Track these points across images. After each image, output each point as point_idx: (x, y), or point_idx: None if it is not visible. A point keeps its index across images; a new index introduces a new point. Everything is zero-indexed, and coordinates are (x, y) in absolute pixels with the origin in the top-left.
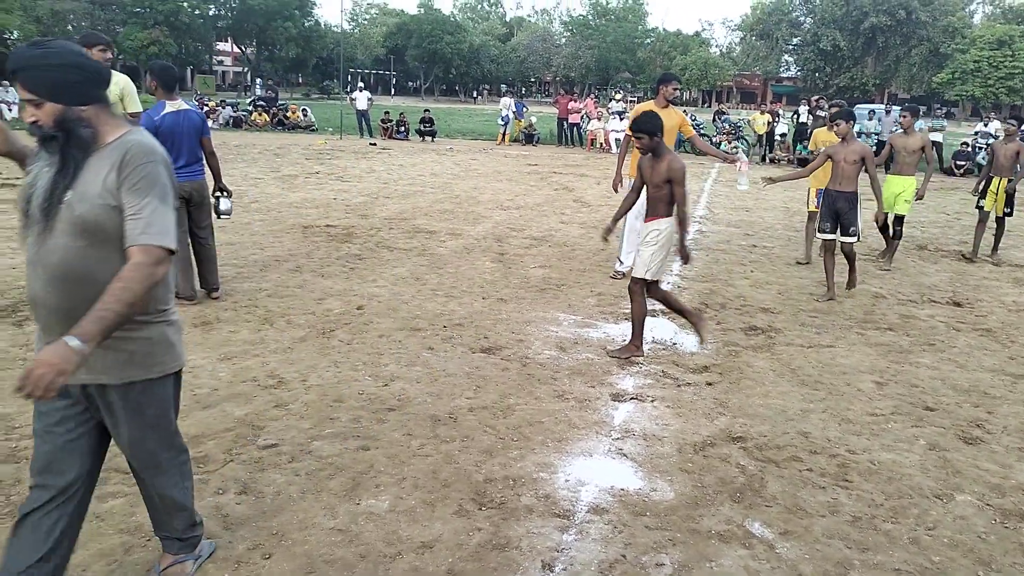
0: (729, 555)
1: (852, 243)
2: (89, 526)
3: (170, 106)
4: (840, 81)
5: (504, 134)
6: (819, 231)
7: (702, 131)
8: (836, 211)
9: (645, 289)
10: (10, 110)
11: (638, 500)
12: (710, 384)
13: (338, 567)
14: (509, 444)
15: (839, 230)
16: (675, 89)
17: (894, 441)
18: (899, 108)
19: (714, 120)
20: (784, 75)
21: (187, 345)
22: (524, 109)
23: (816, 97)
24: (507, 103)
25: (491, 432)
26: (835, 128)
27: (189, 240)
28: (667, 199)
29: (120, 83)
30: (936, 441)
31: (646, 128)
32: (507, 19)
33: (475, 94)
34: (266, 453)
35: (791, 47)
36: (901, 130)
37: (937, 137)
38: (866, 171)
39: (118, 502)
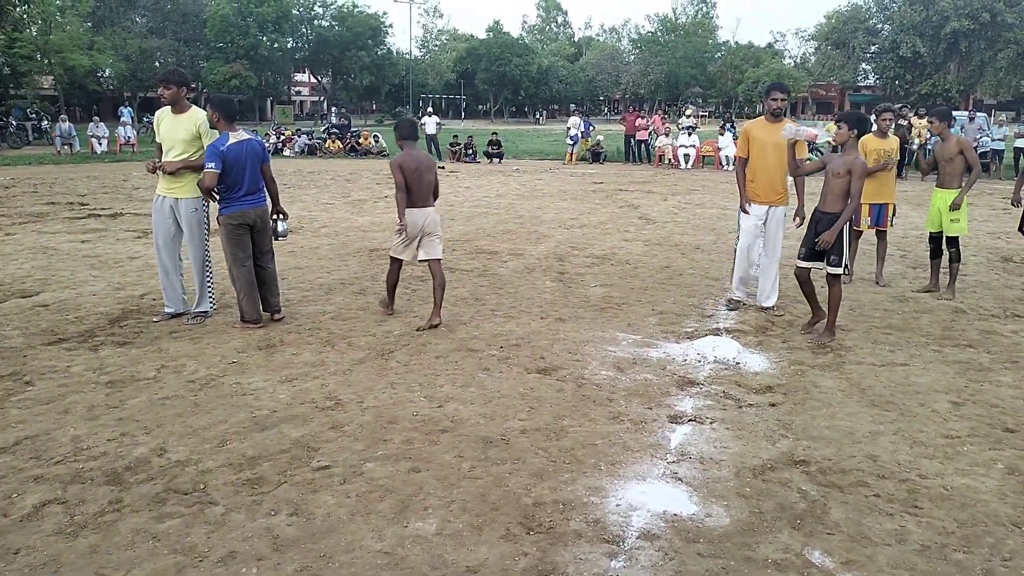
0: None
1: (836, 275)
2: (145, 546)
3: (233, 137)
4: (922, 88)
5: (571, 153)
6: (798, 256)
7: None
8: (816, 235)
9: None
10: (100, 143)
11: (691, 526)
12: (773, 405)
13: None
14: (560, 467)
15: (822, 258)
16: (774, 100)
17: (969, 465)
18: (981, 113)
19: None
20: (862, 84)
21: (249, 367)
22: (591, 128)
23: (899, 105)
24: (575, 122)
25: (543, 454)
26: (838, 134)
27: (252, 265)
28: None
29: (198, 120)
30: (1016, 465)
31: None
32: (575, 39)
33: (536, 115)
34: (319, 475)
35: (868, 55)
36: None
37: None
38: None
39: (174, 522)
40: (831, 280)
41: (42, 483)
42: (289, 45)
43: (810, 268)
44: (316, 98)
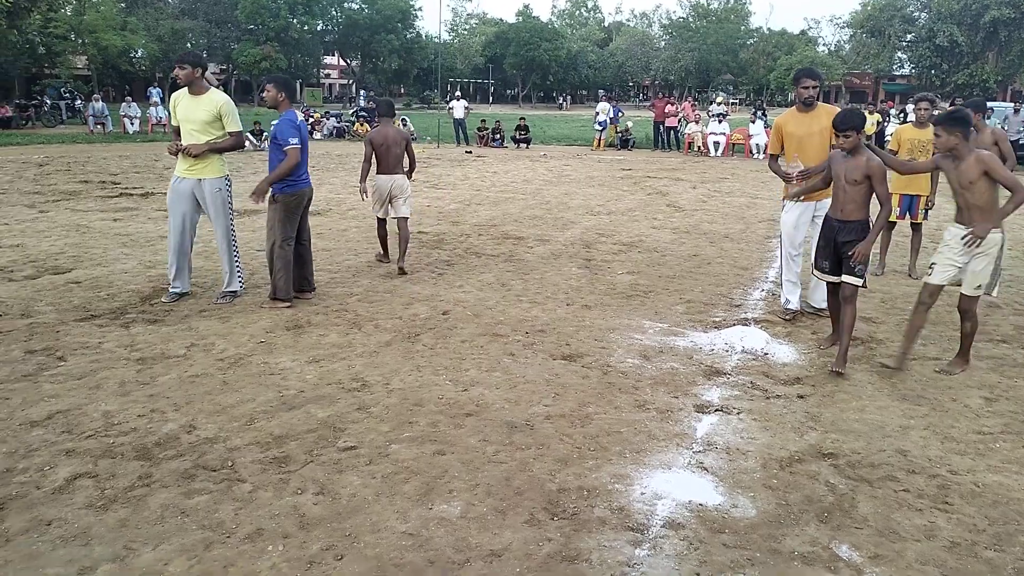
0: None
1: (856, 285)
2: (173, 521)
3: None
4: (958, 78)
5: (600, 139)
6: (815, 267)
7: None
8: (837, 246)
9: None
10: (132, 123)
11: (717, 516)
12: (802, 397)
13: (407, 571)
14: (585, 454)
15: (844, 268)
16: (805, 88)
17: (1002, 462)
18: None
19: None
20: (897, 73)
21: (277, 347)
22: (620, 114)
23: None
24: (604, 108)
25: (567, 441)
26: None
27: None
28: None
29: (219, 102)
30: None
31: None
32: (605, 24)
33: (560, 100)
34: (345, 455)
35: (904, 44)
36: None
37: None
38: (876, 195)
39: (203, 499)
40: (849, 294)
41: (74, 457)
42: (319, 28)
43: (835, 282)
44: (345, 81)
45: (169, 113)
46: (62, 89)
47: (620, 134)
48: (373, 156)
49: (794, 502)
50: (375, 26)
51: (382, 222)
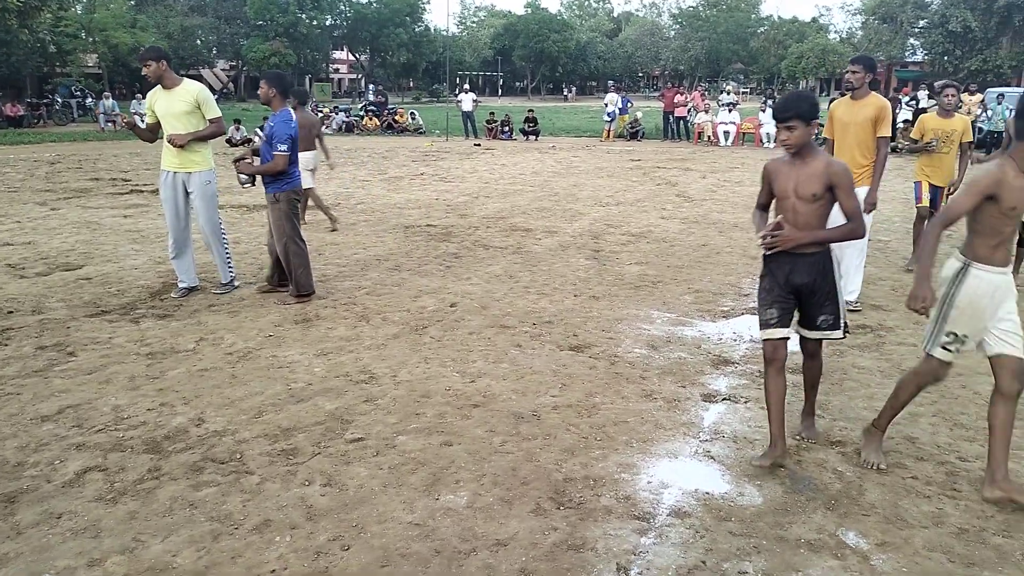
0: (818, 565)
1: (830, 339)
2: (182, 513)
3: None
4: (971, 64)
5: (609, 130)
6: (762, 324)
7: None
8: (794, 289)
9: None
10: (142, 121)
11: (723, 504)
12: None
13: (412, 561)
14: (592, 443)
15: (802, 320)
16: (849, 72)
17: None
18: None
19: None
20: (909, 60)
21: (286, 341)
22: (629, 104)
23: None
24: (612, 99)
25: (574, 431)
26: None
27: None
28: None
29: (194, 91)
30: None
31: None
32: (614, 15)
33: (564, 92)
34: (352, 447)
35: (917, 30)
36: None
37: None
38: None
39: (211, 491)
40: (815, 350)
41: (84, 451)
42: (328, 23)
43: (787, 338)
44: (353, 76)
45: (146, 112)
46: (73, 87)
47: (629, 125)
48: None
49: (801, 490)
50: (383, 20)
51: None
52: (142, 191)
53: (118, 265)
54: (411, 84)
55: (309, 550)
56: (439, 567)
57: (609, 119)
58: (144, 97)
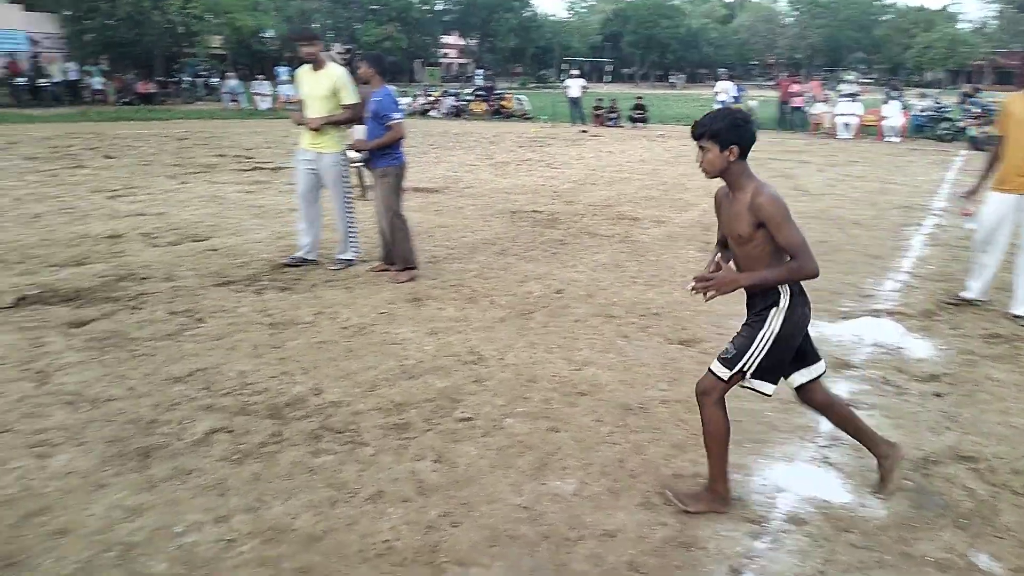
0: None
1: (718, 376)
2: (302, 478)
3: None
4: None
5: None
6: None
7: (946, 114)
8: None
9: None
10: (263, 100)
11: (843, 515)
12: (938, 395)
13: (520, 544)
14: (702, 441)
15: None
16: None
17: None
18: None
19: (962, 103)
20: None
21: (398, 318)
22: (743, 93)
23: None
24: (725, 87)
25: (683, 427)
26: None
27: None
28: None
29: (334, 76)
30: None
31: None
32: (728, 0)
33: (670, 79)
34: (461, 426)
35: None
36: None
37: None
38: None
39: (328, 458)
40: (706, 388)
41: (212, 412)
42: (439, 7)
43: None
44: (463, 61)
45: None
46: (199, 67)
47: None
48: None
49: (928, 505)
50: (493, 5)
51: None
52: (263, 168)
53: (242, 238)
54: (519, 70)
55: (420, 524)
56: (547, 552)
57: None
58: (266, 78)
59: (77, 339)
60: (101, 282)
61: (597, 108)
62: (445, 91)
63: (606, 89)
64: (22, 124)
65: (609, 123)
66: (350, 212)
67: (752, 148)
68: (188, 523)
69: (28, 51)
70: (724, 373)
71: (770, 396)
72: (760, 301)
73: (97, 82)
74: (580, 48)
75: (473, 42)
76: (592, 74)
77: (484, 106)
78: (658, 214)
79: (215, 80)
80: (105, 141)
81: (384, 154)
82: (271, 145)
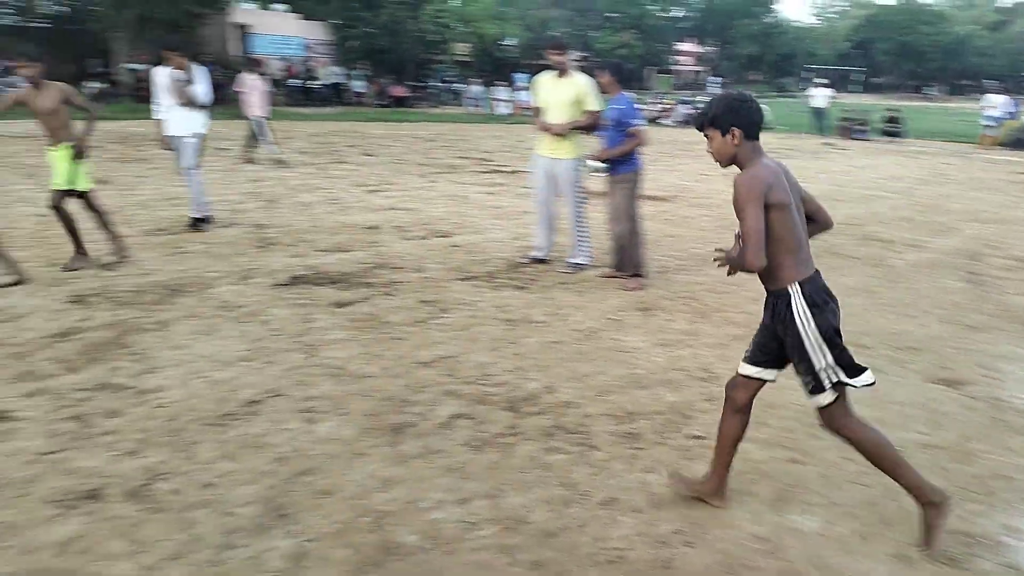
0: None
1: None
2: (535, 472)
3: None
4: None
5: (992, 136)
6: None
7: None
8: (769, 327)
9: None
10: (502, 106)
11: None
12: None
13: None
14: (968, 495)
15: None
16: None
17: None
18: None
19: None
20: None
21: (627, 326)
22: (1020, 107)
23: None
24: (999, 100)
25: (945, 476)
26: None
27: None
28: None
29: (580, 83)
30: None
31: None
32: (1000, 5)
33: (935, 90)
34: (693, 443)
35: None
36: None
37: None
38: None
39: (561, 457)
40: (830, 424)
41: (455, 398)
42: (677, 14)
43: (751, 378)
44: (698, 69)
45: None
46: (446, 73)
47: (1019, 132)
48: None
49: None
50: (733, 10)
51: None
52: (502, 171)
53: (482, 237)
54: (758, 77)
55: (652, 538)
56: None
57: (993, 123)
58: (506, 84)
59: (341, 318)
60: (361, 268)
61: (844, 119)
62: (680, 99)
63: (852, 100)
64: (297, 121)
65: (857, 136)
66: (583, 217)
67: (760, 127)
68: (433, 501)
69: (303, 56)
70: (825, 399)
71: (874, 384)
72: (771, 304)
73: (358, 85)
74: (826, 56)
75: (711, 49)
76: (837, 83)
77: None
78: (914, 237)
79: (460, 85)
80: (364, 140)
81: (623, 160)
82: (508, 149)
